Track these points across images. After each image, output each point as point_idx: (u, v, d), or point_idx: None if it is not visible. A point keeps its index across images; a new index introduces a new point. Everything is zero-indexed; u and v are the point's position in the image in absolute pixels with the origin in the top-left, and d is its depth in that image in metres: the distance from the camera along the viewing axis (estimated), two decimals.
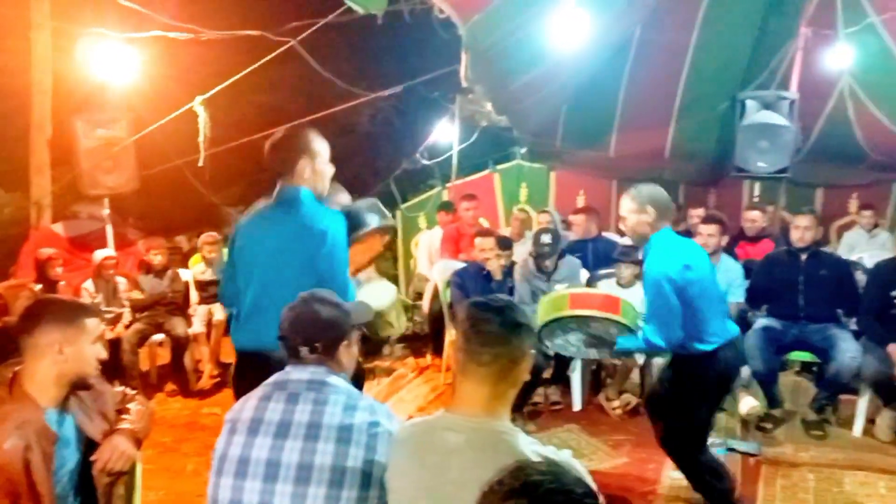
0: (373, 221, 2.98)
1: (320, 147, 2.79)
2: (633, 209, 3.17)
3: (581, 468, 1.48)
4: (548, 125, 7.46)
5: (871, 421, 4.57)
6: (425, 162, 8.08)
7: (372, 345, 5.83)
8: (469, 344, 1.66)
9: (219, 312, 5.62)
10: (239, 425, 1.88)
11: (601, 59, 6.51)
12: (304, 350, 1.93)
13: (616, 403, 4.95)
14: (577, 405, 5.02)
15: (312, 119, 6.97)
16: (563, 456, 1.56)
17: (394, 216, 8.23)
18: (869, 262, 5.89)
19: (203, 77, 5.68)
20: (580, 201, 8.27)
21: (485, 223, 6.66)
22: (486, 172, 8.25)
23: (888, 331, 4.46)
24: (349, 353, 2.00)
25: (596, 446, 4.40)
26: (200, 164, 5.44)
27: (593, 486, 1.19)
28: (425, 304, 6.21)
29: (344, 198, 3.17)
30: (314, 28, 4.67)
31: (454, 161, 7.85)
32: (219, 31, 5.17)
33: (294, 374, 1.94)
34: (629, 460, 4.20)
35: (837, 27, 6.08)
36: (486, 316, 1.66)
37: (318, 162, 2.77)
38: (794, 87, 5.82)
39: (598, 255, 5.86)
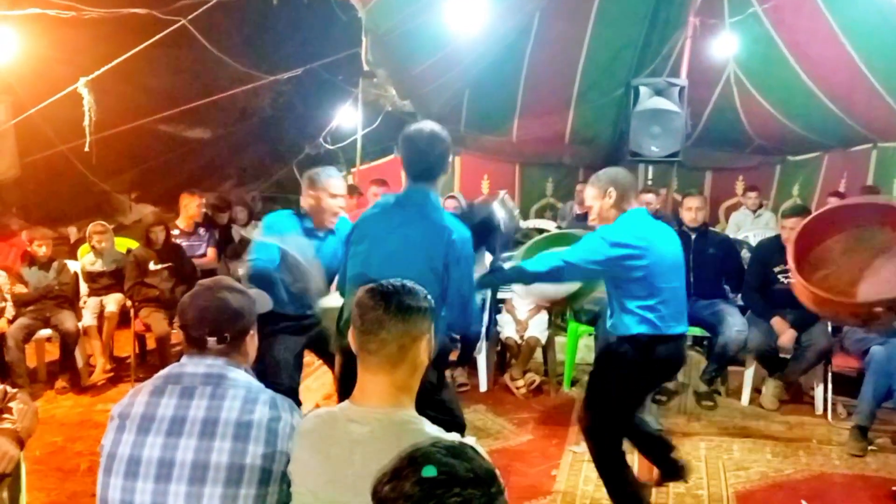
0: None
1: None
2: (595, 195, 3.11)
3: (483, 453, 1.49)
4: (451, 110, 7.50)
5: (757, 390, 4.86)
6: (329, 147, 7.97)
7: None
8: (358, 333, 1.65)
9: (110, 304, 5.36)
10: (128, 422, 1.78)
11: (501, 45, 6.59)
12: (211, 341, 1.84)
13: (521, 383, 5.05)
14: (483, 386, 5.10)
15: (209, 102, 6.77)
16: (468, 442, 1.57)
17: (297, 202, 8.07)
18: (754, 241, 6.26)
19: (89, 58, 5.38)
20: (485, 186, 8.38)
21: None
22: (391, 157, 8.22)
23: (770, 305, 4.75)
24: (253, 342, 1.94)
25: (502, 425, 4.48)
26: (86, 149, 5.15)
27: (487, 468, 1.19)
28: (331, 289, 6.14)
29: None
30: (206, 7, 4.50)
31: (359, 146, 7.78)
32: (102, 9, 4.90)
33: (189, 367, 1.85)
34: (533, 437, 4.30)
35: (724, 16, 6.38)
36: (372, 303, 1.64)
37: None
38: (684, 74, 6.07)
39: (506, 239, 5.95)
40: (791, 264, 2.74)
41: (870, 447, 4.05)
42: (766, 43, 6.45)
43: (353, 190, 6.81)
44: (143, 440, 1.75)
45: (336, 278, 3.07)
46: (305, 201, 3.54)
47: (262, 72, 6.68)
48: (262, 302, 2.17)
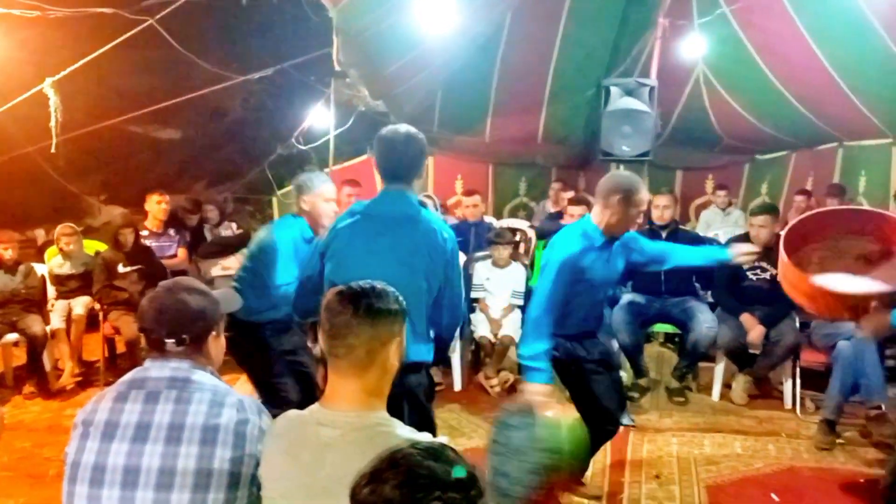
0: None
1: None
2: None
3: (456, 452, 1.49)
4: (424, 111, 7.49)
5: (727, 386, 4.93)
6: (301, 147, 7.91)
7: None
8: (326, 337, 1.63)
9: (78, 307, 5.28)
10: (92, 429, 1.75)
11: (473, 45, 6.60)
12: (170, 343, 1.81)
13: (495, 381, 5.08)
14: (457, 385, 5.11)
15: (179, 102, 6.68)
16: (440, 440, 1.56)
17: (270, 203, 8.04)
18: (723, 239, 6.33)
19: (55, 58, 5.28)
20: (458, 186, 8.39)
21: None
22: (364, 157, 8.18)
23: (740, 301, 4.81)
24: (218, 344, 1.91)
25: (476, 424, 4.50)
26: (53, 150, 5.06)
27: (468, 470, 1.19)
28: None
29: None
30: (174, 6, 4.44)
31: (331, 146, 7.73)
32: (67, 8, 4.82)
33: (153, 370, 1.82)
34: None
35: (692, 17, 6.43)
36: (340, 307, 1.61)
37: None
38: (654, 74, 6.12)
39: (478, 238, 5.98)
40: (783, 256, 2.77)
41: (838, 441, 4.13)
42: (735, 44, 6.52)
43: None
44: (108, 447, 1.72)
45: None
46: (299, 207, 3.54)
47: (232, 71, 6.60)
48: (229, 302, 2.14)
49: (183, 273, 5.80)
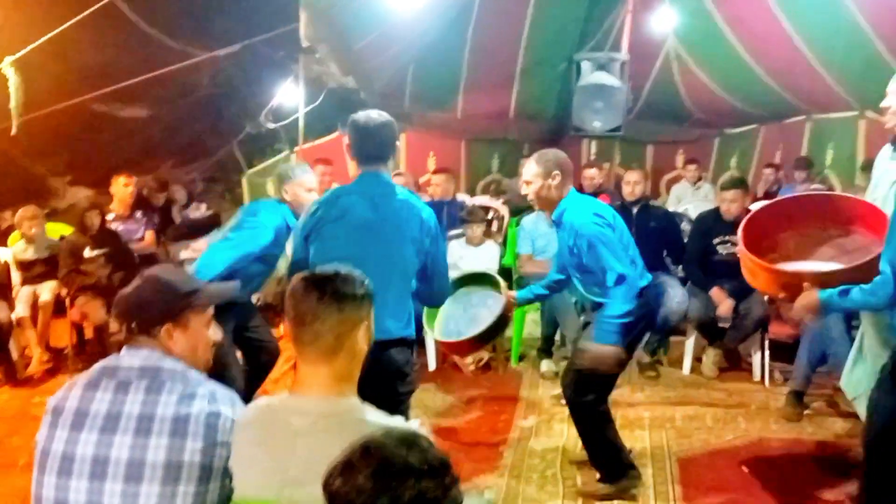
0: None
1: None
2: (540, 173, 3.15)
3: (429, 438, 1.49)
4: (395, 86, 7.41)
5: (697, 359, 5.00)
6: (270, 125, 7.79)
7: None
8: (292, 322, 1.61)
9: (45, 293, 5.18)
10: (62, 418, 1.73)
11: (444, 20, 6.53)
12: (134, 330, 1.81)
13: (469, 360, 5.08)
14: (431, 365, 5.12)
15: (145, 79, 6.53)
16: (412, 426, 1.55)
17: (240, 182, 7.93)
18: (693, 213, 6.38)
19: (15, 37, 5.12)
20: (431, 162, 8.34)
21: None
22: (335, 135, 8.09)
23: (710, 276, 4.87)
24: (185, 335, 1.84)
25: (451, 403, 4.51)
26: (14, 131, 4.92)
27: (441, 459, 1.19)
28: (278, 272, 6.04)
29: None
30: None
31: (301, 123, 7.63)
32: None
33: (126, 359, 1.80)
34: (482, 414, 4.34)
35: None
36: (304, 293, 1.59)
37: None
38: (625, 48, 6.11)
39: (451, 217, 5.94)
40: (740, 233, 2.81)
41: (805, 411, 4.21)
42: (705, 18, 6.54)
43: None
44: (77, 436, 1.70)
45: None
46: (282, 195, 3.67)
47: (199, 48, 6.46)
48: (223, 291, 2.11)
49: (152, 257, 5.73)
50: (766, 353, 4.76)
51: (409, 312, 2.62)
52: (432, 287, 2.71)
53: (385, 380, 2.46)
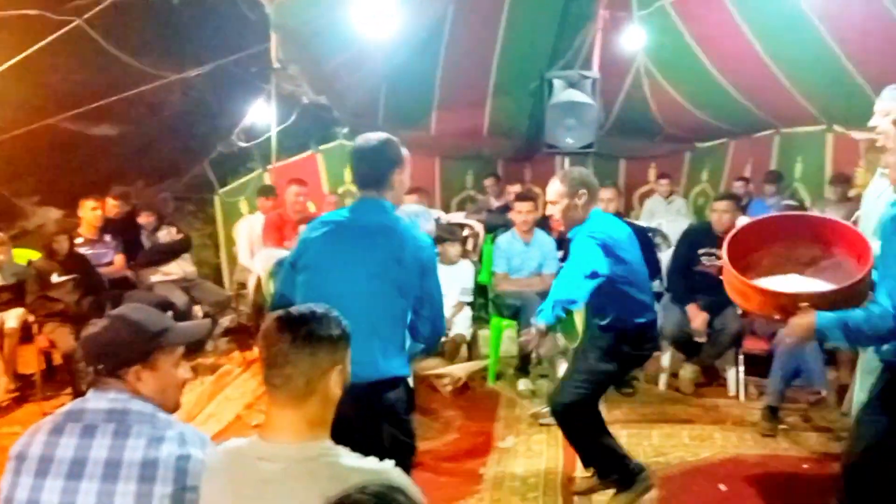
0: None
1: (407, 154, 2.57)
2: (565, 193, 3.10)
3: (404, 480, 1.45)
4: (368, 105, 7.41)
5: (674, 375, 5.02)
6: (242, 144, 7.73)
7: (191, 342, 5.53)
8: (263, 363, 1.56)
9: (11, 320, 5.05)
10: (25, 465, 1.67)
11: (416, 39, 6.54)
12: (91, 371, 1.75)
13: (446, 380, 5.05)
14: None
15: (115, 100, 6.45)
16: (386, 467, 1.51)
17: (212, 202, 7.85)
18: (667, 228, 6.45)
19: None
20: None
21: (312, 207, 6.48)
22: (308, 153, 8.05)
23: (690, 288, 4.89)
24: (155, 377, 1.78)
25: (428, 425, 4.46)
26: None
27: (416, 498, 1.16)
28: (250, 294, 5.98)
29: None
30: (101, 7, 4.27)
31: (273, 142, 7.58)
32: None
33: (92, 401, 1.74)
34: (460, 435, 4.31)
35: (632, 10, 6.50)
36: (278, 334, 1.54)
37: (406, 173, 2.56)
38: (596, 66, 6.16)
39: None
40: (724, 255, 2.81)
41: (781, 426, 4.24)
42: (674, 35, 6.62)
43: (268, 191, 6.64)
44: (42, 484, 1.64)
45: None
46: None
47: (169, 66, 6.41)
48: (197, 329, 2.06)
49: (122, 281, 5.62)
50: (741, 367, 4.79)
51: (397, 349, 2.45)
52: (425, 325, 2.53)
53: (373, 421, 2.33)
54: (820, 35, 5.51)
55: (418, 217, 3.53)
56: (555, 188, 3.16)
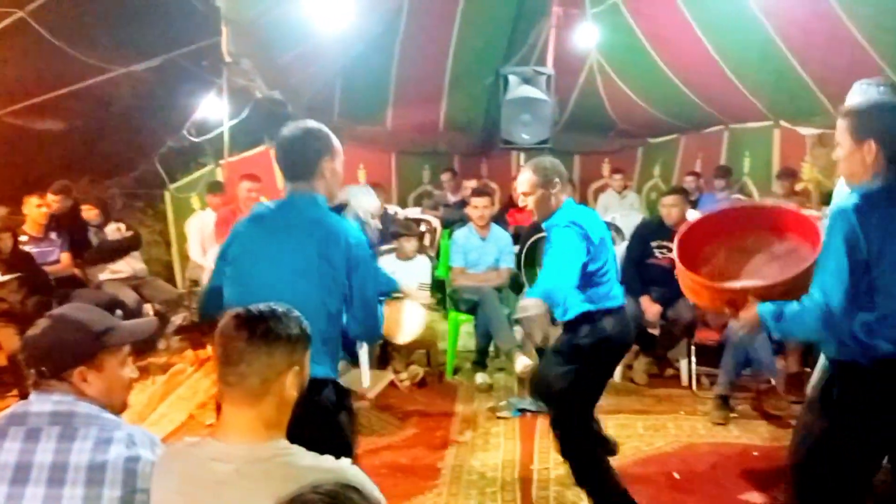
0: None
1: (338, 143, 2.45)
2: (539, 183, 3.04)
3: (360, 477, 1.43)
4: (323, 100, 7.33)
5: (628, 366, 5.09)
6: (194, 139, 7.58)
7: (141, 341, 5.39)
8: (218, 361, 1.52)
9: None
10: None
11: (371, 34, 6.50)
12: (34, 374, 1.69)
13: (404, 376, 5.05)
14: (365, 382, 5.05)
15: (61, 94, 6.26)
16: (341, 465, 1.49)
17: (163, 198, 7.69)
18: (621, 222, 6.53)
19: None
20: (361, 175, 8.28)
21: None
22: (262, 148, 7.93)
23: (644, 280, 4.97)
24: (100, 377, 1.73)
25: (386, 421, 4.45)
26: None
27: (377, 501, 1.15)
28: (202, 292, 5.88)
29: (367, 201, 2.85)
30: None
31: (225, 137, 7.45)
32: None
33: (35, 405, 1.67)
34: (418, 430, 4.30)
35: (585, 7, 6.57)
36: (235, 332, 1.50)
37: (338, 162, 2.44)
38: (550, 62, 6.21)
39: (383, 231, 5.90)
40: (675, 252, 2.84)
41: (732, 415, 4.34)
42: (626, 32, 6.71)
43: (216, 188, 6.53)
44: None
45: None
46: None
47: (116, 59, 6.24)
48: (142, 328, 2.00)
49: (69, 280, 5.46)
50: (693, 358, 4.88)
51: (322, 350, 2.28)
52: (357, 324, 2.42)
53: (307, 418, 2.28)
54: (766, 32, 5.64)
55: (359, 196, 3.36)
56: (527, 178, 3.09)
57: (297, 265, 2.30)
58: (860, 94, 2.82)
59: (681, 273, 2.76)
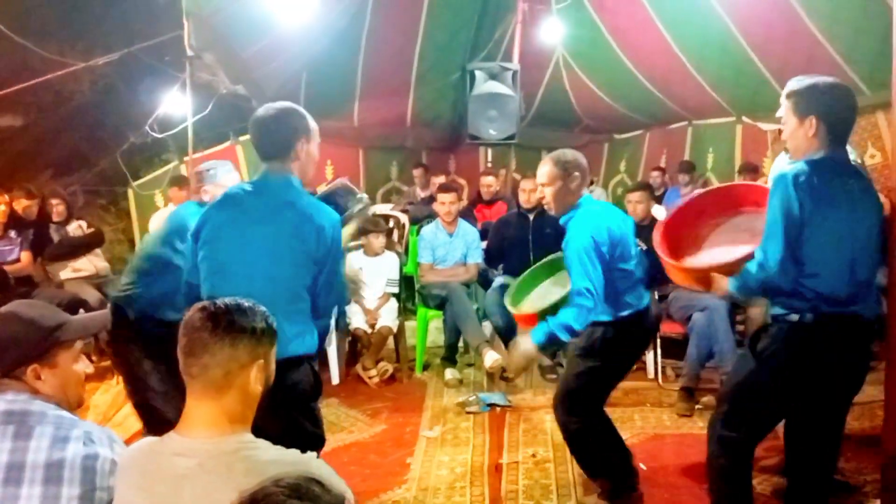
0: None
1: (314, 125, 2.45)
2: (558, 175, 2.95)
3: (324, 470, 1.42)
4: (288, 95, 7.20)
5: None
6: (157, 135, 7.46)
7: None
8: (182, 352, 1.50)
9: None
10: None
11: (336, 27, 6.45)
12: None
13: (373, 372, 5.03)
14: (335, 379, 5.03)
15: (18, 89, 6.11)
16: (305, 458, 1.48)
17: (125, 195, 7.55)
18: None
19: None
20: (328, 171, 8.22)
21: None
22: (227, 144, 7.83)
23: None
24: (54, 374, 1.71)
25: (355, 417, 4.44)
26: None
27: (340, 494, 1.14)
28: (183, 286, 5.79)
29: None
30: None
31: (189, 133, 7.34)
32: None
33: None
34: (387, 426, 4.29)
35: (550, 2, 6.60)
36: (199, 323, 1.50)
37: (314, 144, 2.44)
38: (516, 58, 6.24)
39: None
40: (658, 242, 2.91)
41: (696, 406, 4.40)
42: (591, 28, 6.75)
43: (180, 181, 6.44)
44: None
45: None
46: (202, 197, 3.36)
47: (75, 53, 6.12)
48: (95, 323, 1.95)
49: (29, 279, 5.35)
50: (659, 351, 4.94)
51: (298, 327, 2.35)
52: (319, 302, 2.43)
53: (274, 401, 2.30)
54: (727, 28, 5.73)
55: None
56: (546, 170, 3.01)
57: (271, 246, 2.33)
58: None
59: (663, 261, 2.89)
